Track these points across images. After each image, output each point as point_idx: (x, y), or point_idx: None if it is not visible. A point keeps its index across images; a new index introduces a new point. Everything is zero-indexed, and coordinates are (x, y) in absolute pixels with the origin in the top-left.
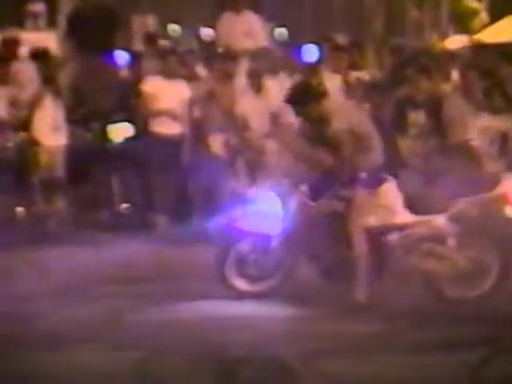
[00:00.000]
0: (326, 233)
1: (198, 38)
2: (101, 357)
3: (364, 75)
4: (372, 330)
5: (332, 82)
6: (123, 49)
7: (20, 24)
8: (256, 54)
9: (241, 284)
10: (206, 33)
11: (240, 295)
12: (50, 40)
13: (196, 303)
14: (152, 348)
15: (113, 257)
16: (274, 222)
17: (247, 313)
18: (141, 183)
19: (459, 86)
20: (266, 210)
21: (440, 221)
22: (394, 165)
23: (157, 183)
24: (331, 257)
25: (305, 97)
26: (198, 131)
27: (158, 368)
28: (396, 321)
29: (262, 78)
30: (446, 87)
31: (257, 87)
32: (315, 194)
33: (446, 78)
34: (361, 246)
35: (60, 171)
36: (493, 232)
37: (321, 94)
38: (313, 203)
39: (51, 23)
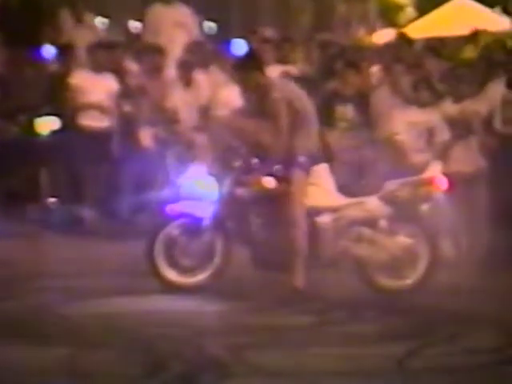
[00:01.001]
0: (261, 214)
1: (126, 30)
2: (28, 352)
3: (293, 69)
4: (305, 321)
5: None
6: (51, 42)
7: None
8: (187, 47)
9: (171, 275)
10: (134, 25)
11: (171, 288)
12: None
13: (125, 298)
14: (80, 343)
15: (40, 251)
16: (205, 204)
17: (177, 307)
18: (68, 177)
19: (386, 80)
20: (197, 192)
21: (372, 202)
22: (323, 157)
23: (85, 177)
24: (265, 240)
25: (248, 62)
26: (128, 125)
27: (87, 364)
28: (328, 312)
29: (193, 71)
30: (373, 81)
31: (187, 80)
32: (250, 173)
33: (373, 72)
34: (301, 227)
35: None
36: (421, 217)
37: (262, 63)
38: (247, 183)
39: None
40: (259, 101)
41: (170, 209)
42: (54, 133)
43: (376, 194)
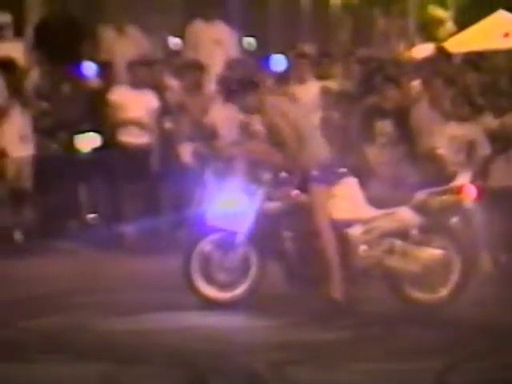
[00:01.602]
0: (291, 228)
1: (166, 47)
2: (66, 368)
3: (332, 84)
4: (341, 337)
5: (310, 90)
6: (90, 59)
7: None
8: (227, 64)
9: (208, 290)
10: (174, 42)
11: (208, 304)
12: (16, 50)
13: (165, 313)
14: (119, 359)
15: (80, 267)
16: (238, 220)
17: (215, 322)
18: (108, 193)
19: (426, 94)
20: (231, 208)
21: (404, 212)
22: (361, 173)
23: (125, 193)
24: (297, 253)
25: (240, 86)
26: (168, 141)
27: (126, 379)
28: (364, 328)
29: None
30: (413, 96)
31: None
32: (278, 187)
33: (413, 86)
34: (329, 238)
35: (27, 182)
36: (452, 227)
37: (255, 84)
38: (276, 197)
39: (18, 34)
40: (261, 122)
41: (206, 224)
42: (95, 149)
43: (407, 204)
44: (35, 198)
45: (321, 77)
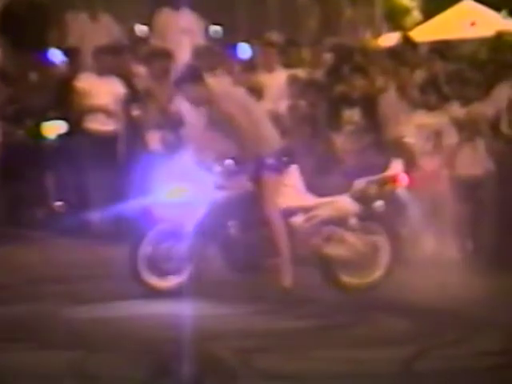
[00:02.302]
0: (239, 217)
1: (133, 34)
2: (36, 357)
3: (300, 73)
4: (305, 325)
5: (277, 78)
6: (57, 46)
7: None
8: (194, 51)
9: (153, 281)
10: (141, 29)
11: (153, 293)
12: None
13: (131, 301)
14: (88, 347)
15: (47, 255)
16: (186, 210)
17: (174, 310)
18: (75, 180)
19: (393, 83)
20: (179, 197)
21: (344, 200)
22: (329, 162)
23: (92, 180)
24: (244, 243)
25: (188, 76)
26: (135, 128)
27: (94, 366)
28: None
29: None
30: (381, 85)
31: None
32: (227, 177)
33: (381, 75)
34: (279, 227)
35: None
36: (385, 214)
37: (201, 75)
38: (225, 187)
39: None
40: (209, 112)
41: (152, 214)
42: (61, 136)
43: (347, 192)
44: (1, 186)
45: (288, 65)
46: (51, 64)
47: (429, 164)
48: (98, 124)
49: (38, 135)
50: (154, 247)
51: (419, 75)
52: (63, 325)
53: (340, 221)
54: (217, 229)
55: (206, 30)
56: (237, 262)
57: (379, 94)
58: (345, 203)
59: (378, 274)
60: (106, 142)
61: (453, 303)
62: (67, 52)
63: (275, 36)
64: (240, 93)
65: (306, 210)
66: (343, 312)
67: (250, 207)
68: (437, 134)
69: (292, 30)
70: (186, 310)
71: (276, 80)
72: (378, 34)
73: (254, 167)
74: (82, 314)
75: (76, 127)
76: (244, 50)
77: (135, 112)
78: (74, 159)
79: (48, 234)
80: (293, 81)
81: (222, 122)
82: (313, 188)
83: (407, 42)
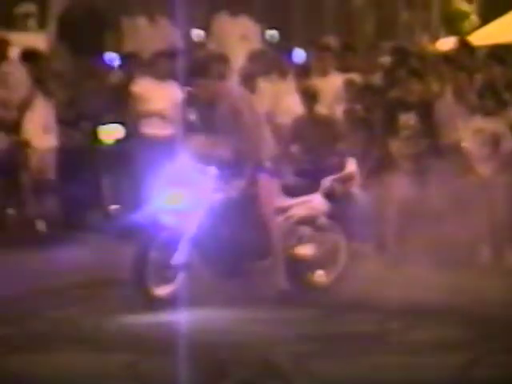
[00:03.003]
0: (237, 220)
1: (190, 39)
2: (91, 359)
3: (356, 77)
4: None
5: (332, 83)
6: (115, 50)
7: (10, 25)
8: (249, 56)
9: (157, 290)
10: (197, 34)
11: (155, 302)
12: (40, 41)
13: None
14: (143, 350)
15: (102, 258)
16: (186, 216)
17: (229, 315)
18: (131, 184)
19: (450, 88)
20: (177, 204)
21: (317, 199)
22: (384, 166)
23: (147, 184)
24: (241, 245)
25: (198, 71)
26: (192, 133)
27: (148, 370)
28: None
29: (255, 79)
30: (438, 89)
31: (250, 89)
32: (224, 180)
33: (437, 80)
34: (274, 227)
35: (50, 172)
36: (344, 212)
37: (210, 71)
38: (222, 190)
39: (42, 24)
40: (208, 114)
41: (155, 223)
42: (118, 141)
43: (318, 191)
44: (58, 189)
45: (344, 69)
46: (109, 68)
47: (485, 169)
48: (155, 128)
49: (95, 140)
50: (157, 254)
51: (477, 80)
52: (120, 328)
53: (311, 220)
54: (213, 233)
55: (262, 35)
56: (227, 265)
57: (436, 99)
58: (318, 202)
59: (338, 272)
60: (163, 146)
61: (507, 310)
62: (124, 56)
63: (331, 40)
64: (246, 92)
65: (283, 210)
66: (397, 317)
67: (246, 209)
68: (494, 140)
69: (348, 34)
70: (239, 316)
71: (331, 84)
72: (435, 38)
73: (251, 169)
74: (137, 317)
75: (133, 132)
76: (299, 55)
77: (192, 116)
78: (130, 163)
79: (103, 237)
80: (349, 85)
81: (228, 119)
82: (287, 188)
83: (465, 46)
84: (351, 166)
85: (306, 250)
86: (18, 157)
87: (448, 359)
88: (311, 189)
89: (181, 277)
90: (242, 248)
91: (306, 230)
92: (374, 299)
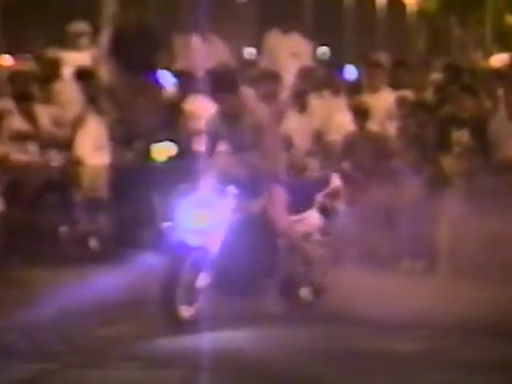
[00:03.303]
0: (257, 236)
1: (241, 56)
2: (140, 375)
3: (408, 94)
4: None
5: (382, 99)
6: (166, 68)
7: (62, 44)
8: (300, 73)
9: (183, 311)
10: (249, 52)
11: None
12: (92, 60)
13: (237, 320)
14: (194, 365)
15: (153, 275)
16: (208, 236)
17: (280, 332)
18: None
19: (504, 104)
20: (200, 224)
21: (313, 215)
22: (437, 183)
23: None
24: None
25: (224, 83)
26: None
27: None
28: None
29: (306, 96)
30: (490, 106)
31: (301, 106)
32: (243, 199)
33: (491, 96)
34: (295, 236)
35: (103, 190)
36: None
37: (236, 84)
38: (240, 209)
39: (94, 43)
40: (232, 126)
41: (179, 244)
42: (170, 158)
43: (313, 207)
44: (110, 206)
45: (396, 86)
46: (160, 86)
47: None
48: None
49: (148, 158)
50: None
51: None
52: (171, 344)
53: (307, 237)
54: (232, 251)
55: (314, 52)
56: (243, 283)
57: (488, 115)
58: (313, 218)
59: (324, 287)
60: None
61: None
62: (176, 74)
63: (382, 56)
64: (267, 108)
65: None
66: (450, 335)
67: (263, 227)
68: None
69: (400, 51)
70: (288, 331)
71: (382, 101)
72: (487, 55)
73: (268, 187)
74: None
75: (185, 149)
76: (350, 71)
77: (218, 132)
78: (182, 181)
79: (155, 255)
80: (401, 102)
81: (251, 134)
82: (288, 205)
83: None
84: (336, 180)
85: (299, 268)
86: (70, 174)
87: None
88: (308, 205)
89: (203, 297)
90: (257, 266)
91: (305, 247)
92: (424, 316)
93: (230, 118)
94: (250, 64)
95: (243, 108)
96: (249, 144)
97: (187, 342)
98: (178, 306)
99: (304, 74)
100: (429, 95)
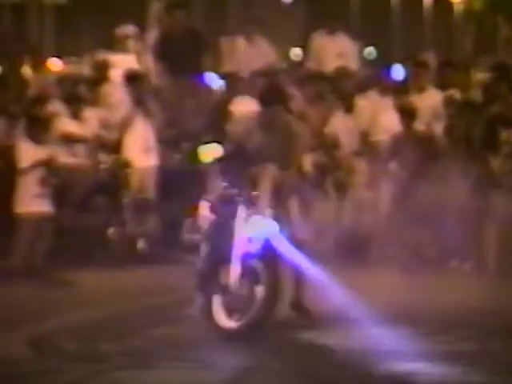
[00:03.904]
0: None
1: (288, 57)
2: (191, 376)
3: (455, 94)
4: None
5: (429, 99)
6: (213, 70)
7: (110, 47)
8: (347, 74)
9: (227, 323)
10: (295, 53)
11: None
12: (140, 62)
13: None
14: (244, 366)
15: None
16: (253, 244)
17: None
18: None
19: None
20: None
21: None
22: (486, 183)
23: None
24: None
25: (271, 97)
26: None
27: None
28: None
29: (353, 97)
30: None
31: (347, 106)
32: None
33: None
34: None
35: (151, 192)
36: None
37: (285, 97)
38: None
39: (142, 45)
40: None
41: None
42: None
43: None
44: (159, 208)
45: (443, 85)
46: (208, 88)
47: None
48: None
49: (195, 159)
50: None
51: None
52: (219, 345)
53: None
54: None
55: (360, 52)
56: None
57: None
58: None
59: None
60: None
61: None
62: (224, 76)
63: (429, 56)
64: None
65: None
66: (498, 337)
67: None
68: None
69: (447, 50)
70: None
71: (428, 101)
72: None
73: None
74: None
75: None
76: (398, 71)
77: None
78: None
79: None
80: (449, 102)
81: (285, 144)
82: None
83: None
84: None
85: None
86: (118, 176)
87: None
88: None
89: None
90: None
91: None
92: (474, 317)
93: (267, 126)
94: (296, 65)
95: (286, 119)
96: (278, 154)
97: (237, 343)
98: (217, 321)
99: (350, 75)
100: (476, 95)
